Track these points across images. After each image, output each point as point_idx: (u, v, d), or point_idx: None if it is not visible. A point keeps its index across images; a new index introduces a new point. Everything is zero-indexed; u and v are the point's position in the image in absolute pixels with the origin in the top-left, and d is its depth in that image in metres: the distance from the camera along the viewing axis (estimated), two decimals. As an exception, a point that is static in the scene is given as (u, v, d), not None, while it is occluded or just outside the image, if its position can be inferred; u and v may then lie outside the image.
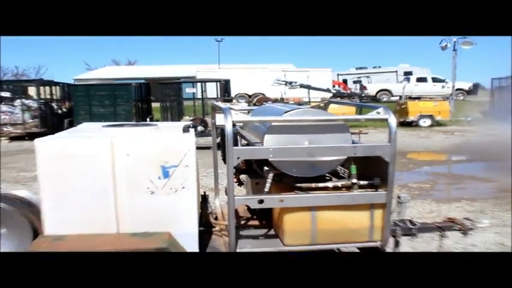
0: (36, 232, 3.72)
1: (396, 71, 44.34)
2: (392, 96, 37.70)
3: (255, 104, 24.44)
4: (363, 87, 37.25)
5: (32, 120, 22.09)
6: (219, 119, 4.12)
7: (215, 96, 21.67)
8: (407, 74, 41.23)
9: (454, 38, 28.51)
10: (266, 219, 4.34)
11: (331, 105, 5.78)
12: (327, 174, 4.06)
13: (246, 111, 5.14)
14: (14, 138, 21.31)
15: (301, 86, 30.31)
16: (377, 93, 38.15)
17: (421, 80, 37.90)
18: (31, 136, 20.16)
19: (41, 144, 3.54)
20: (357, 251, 4.20)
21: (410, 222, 4.72)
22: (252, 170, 4.34)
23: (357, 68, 49.72)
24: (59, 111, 24.74)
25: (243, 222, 4.51)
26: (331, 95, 31.06)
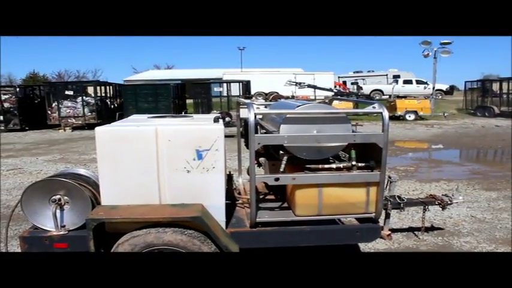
0: (94, 203, 3.74)
1: (387, 75, 43.81)
2: (383, 95, 37.24)
3: (270, 101, 24.37)
4: (359, 88, 36.91)
5: (90, 114, 22.23)
6: (243, 112, 4.12)
7: (238, 94, 21.63)
8: (396, 77, 40.73)
9: (435, 48, 27.99)
10: (280, 194, 4.34)
11: (334, 101, 5.74)
12: (331, 158, 4.04)
13: (263, 106, 5.13)
14: (75, 128, 21.52)
15: (309, 86, 30.10)
16: (371, 92, 37.70)
17: (407, 82, 37.43)
18: (89, 126, 20.45)
19: (100, 131, 3.59)
20: (355, 221, 4.18)
21: (399, 197, 4.71)
22: (269, 154, 4.33)
23: (354, 72, 49.13)
24: (112, 106, 24.93)
25: (261, 196, 4.52)
26: (333, 93, 30.78)
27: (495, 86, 27.68)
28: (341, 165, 3.89)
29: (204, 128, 3.72)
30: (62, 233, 3.71)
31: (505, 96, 26.43)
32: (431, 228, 5.95)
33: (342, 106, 15.14)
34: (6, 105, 21.90)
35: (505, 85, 26.64)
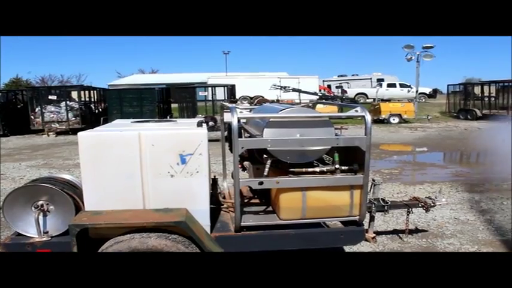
0: (77, 208, 3.71)
1: (371, 78, 44.14)
2: (368, 98, 37.56)
3: (255, 104, 24.36)
4: (343, 91, 37.04)
5: (74, 118, 22.04)
6: (227, 117, 4.11)
7: (223, 98, 21.60)
8: (380, 80, 41.07)
9: (418, 52, 28.30)
10: (265, 198, 4.34)
11: (318, 105, 5.77)
12: (315, 161, 4.06)
13: (248, 110, 5.13)
14: (59, 133, 21.31)
15: (293, 90, 30.20)
16: (355, 96, 37.95)
17: (391, 85, 37.80)
18: (73, 131, 20.20)
19: (83, 136, 3.56)
20: (340, 224, 4.20)
21: (383, 200, 4.73)
22: (254, 158, 4.34)
23: (339, 76, 49.36)
24: (96, 110, 24.76)
25: (246, 200, 4.51)
26: (317, 97, 30.88)
27: (477, 89, 28.08)
28: (324, 169, 3.90)
29: (187, 133, 3.72)
30: (44, 239, 3.67)
31: (486, 99, 26.83)
32: (416, 231, 6.00)
33: (326, 110, 15.23)
34: (-13, 110, 21.61)
35: (486, 88, 27.04)
